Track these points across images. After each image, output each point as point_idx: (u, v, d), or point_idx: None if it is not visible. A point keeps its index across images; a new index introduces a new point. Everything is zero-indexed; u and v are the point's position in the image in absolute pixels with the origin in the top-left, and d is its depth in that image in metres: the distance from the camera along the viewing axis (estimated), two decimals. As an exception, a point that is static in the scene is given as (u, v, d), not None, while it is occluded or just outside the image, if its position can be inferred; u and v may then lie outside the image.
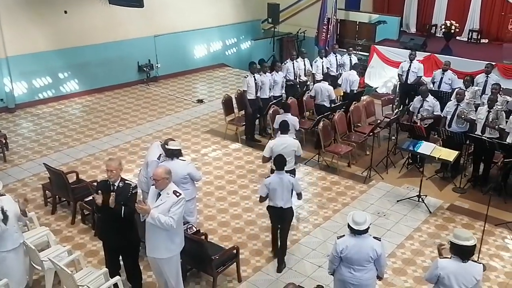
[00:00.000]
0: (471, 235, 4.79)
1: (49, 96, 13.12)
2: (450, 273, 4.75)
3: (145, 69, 14.64)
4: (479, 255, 6.88)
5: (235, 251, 6.46)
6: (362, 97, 11.38)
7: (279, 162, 6.55)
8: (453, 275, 4.75)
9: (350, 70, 11.79)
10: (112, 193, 5.56)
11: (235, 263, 6.49)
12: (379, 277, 5.42)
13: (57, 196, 8.18)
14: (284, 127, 7.64)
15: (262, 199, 6.65)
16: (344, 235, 5.25)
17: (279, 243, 6.80)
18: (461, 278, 4.76)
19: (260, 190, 6.68)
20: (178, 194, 5.43)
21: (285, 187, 6.46)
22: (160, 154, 6.92)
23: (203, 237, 6.66)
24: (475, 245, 4.76)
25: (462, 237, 4.72)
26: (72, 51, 13.13)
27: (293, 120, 8.80)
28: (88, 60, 13.47)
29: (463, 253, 4.73)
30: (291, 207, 6.70)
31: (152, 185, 5.60)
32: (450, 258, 4.82)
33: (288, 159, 6.81)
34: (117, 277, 5.76)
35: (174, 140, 7.03)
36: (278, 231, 6.78)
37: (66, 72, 13.30)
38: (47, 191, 8.28)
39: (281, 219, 6.69)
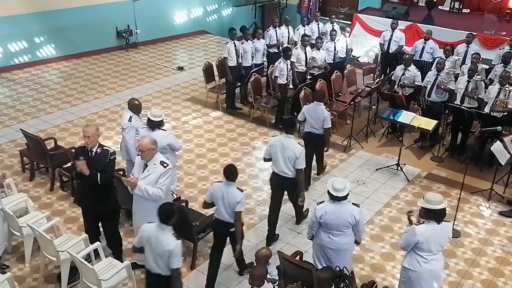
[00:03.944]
0: (442, 197, 4.97)
1: (25, 61, 12.78)
2: (428, 237, 4.89)
3: (124, 34, 14.31)
4: (454, 222, 7.05)
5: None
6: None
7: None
8: (430, 238, 4.91)
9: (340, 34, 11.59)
10: (81, 159, 5.46)
11: (215, 230, 6.51)
12: (357, 242, 5.53)
13: (35, 163, 8.08)
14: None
15: None
16: (323, 201, 5.32)
17: None
18: (437, 240, 4.96)
19: None
20: (165, 164, 5.39)
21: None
22: (131, 116, 6.85)
23: (183, 204, 6.69)
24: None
25: (436, 202, 4.86)
26: (48, 14, 12.74)
27: None
28: (65, 24, 13.10)
29: (438, 216, 4.88)
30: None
31: (138, 155, 5.54)
32: (423, 223, 4.95)
33: None
34: (97, 243, 5.75)
35: (137, 100, 7.01)
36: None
37: (42, 36, 12.94)
38: (24, 158, 8.16)
39: None
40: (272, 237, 6.71)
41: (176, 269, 4.65)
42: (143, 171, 5.41)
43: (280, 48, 11.22)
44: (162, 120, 6.66)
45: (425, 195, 5.01)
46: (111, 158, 5.68)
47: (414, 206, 7.60)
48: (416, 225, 4.99)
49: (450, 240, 5.19)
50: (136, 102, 6.99)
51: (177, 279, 4.81)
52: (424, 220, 4.95)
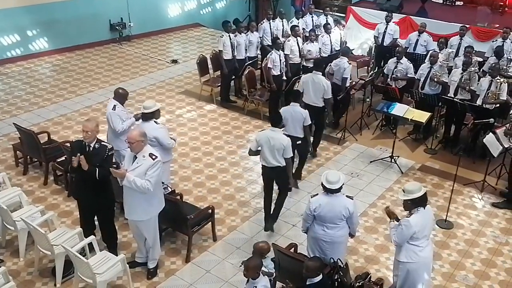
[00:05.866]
0: (419, 184, 5.13)
1: (17, 55, 12.68)
2: (421, 226, 4.96)
3: (117, 28, 14.22)
4: (447, 213, 7.10)
5: (210, 211, 6.50)
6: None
7: None
8: (423, 226, 4.98)
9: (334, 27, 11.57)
10: (81, 156, 5.45)
11: (210, 223, 6.55)
12: (351, 235, 5.56)
13: (28, 157, 8.05)
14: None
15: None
16: (317, 194, 5.34)
17: None
18: (429, 225, 5.09)
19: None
20: (154, 157, 5.37)
21: None
22: (115, 105, 6.85)
23: (178, 197, 6.68)
24: None
25: (416, 189, 4.96)
26: (41, 7, 12.64)
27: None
28: (57, 17, 13.00)
29: (424, 201, 4.99)
30: None
31: (128, 147, 5.53)
32: (412, 213, 4.98)
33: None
34: (92, 237, 5.75)
35: (122, 89, 7.03)
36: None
37: (35, 29, 12.84)
38: (18, 152, 8.13)
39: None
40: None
41: (290, 157, 6.40)
42: (132, 163, 5.41)
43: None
44: (156, 111, 6.52)
45: (403, 188, 5.07)
46: (109, 154, 5.67)
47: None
48: (409, 217, 5.00)
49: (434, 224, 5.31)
50: (121, 91, 6.97)
51: (290, 164, 6.58)
52: (411, 210, 5.01)
